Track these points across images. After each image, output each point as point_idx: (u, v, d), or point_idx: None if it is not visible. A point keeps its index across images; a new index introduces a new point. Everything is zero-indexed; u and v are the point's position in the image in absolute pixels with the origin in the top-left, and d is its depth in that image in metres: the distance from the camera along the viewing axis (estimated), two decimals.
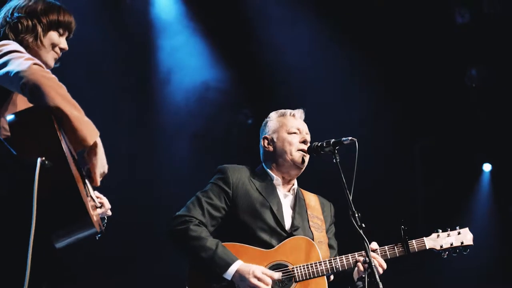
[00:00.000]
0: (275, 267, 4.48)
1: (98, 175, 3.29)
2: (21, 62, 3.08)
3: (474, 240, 4.68)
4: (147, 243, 7.74)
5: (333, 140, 4.49)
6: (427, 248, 4.55)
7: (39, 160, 2.82)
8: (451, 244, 4.59)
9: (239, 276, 4.33)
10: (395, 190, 8.76)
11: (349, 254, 4.49)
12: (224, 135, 8.69)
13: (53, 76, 3.12)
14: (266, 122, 4.92)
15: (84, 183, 3.22)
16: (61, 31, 3.61)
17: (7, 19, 3.51)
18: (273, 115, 4.91)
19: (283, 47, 8.30)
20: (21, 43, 3.43)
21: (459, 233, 4.62)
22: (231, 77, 8.47)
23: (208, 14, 8.27)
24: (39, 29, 3.51)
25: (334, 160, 4.44)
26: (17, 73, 3.03)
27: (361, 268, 4.40)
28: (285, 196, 4.76)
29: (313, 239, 4.61)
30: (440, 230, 4.62)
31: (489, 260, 8.80)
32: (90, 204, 3.22)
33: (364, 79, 8.37)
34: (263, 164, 4.85)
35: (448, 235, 4.61)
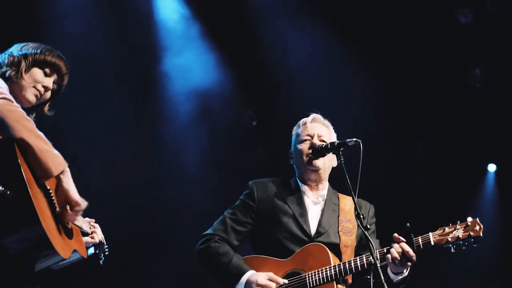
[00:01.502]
0: (290, 276, 4.57)
1: (77, 197, 3.41)
2: None
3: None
4: (147, 245, 7.77)
5: (337, 141, 4.54)
6: (432, 243, 4.42)
7: None
8: (458, 238, 4.40)
9: (248, 286, 4.49)
10: (397, 190, 8.76)
11: (358, 257, 4.49)
12: (229, 137, 8.70)
13: (20, 109, 3.27)
14: (291, 138, 5.02)
15: (57, 215, 3.36)
16: (47, 71, 3.76)
17: (3, 54, 3.74)
18: (293, 129, 5.00)
19: (286, 48, 8.31)
20: (3, 75, 3.62)
21: (467, 225, 4.44)
22: (234, 79, 8.48)
23: (210, 15, 8.28)
24: (23, 64, 3.68)
25: (339, 161, 4.49)
26: None
27: (390, 259, 4.37)
28: (315, 203, 4.83)
29: (339, 244, 4.67)
30: (450, 224, 4.47)
31: (493, 260, 8.79)
32: (70, 234, 3.46)
33: (367, 78, 8.36)
34: (296, 174, 4.94)
35: (455, 228, 4.44)
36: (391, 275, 4.51)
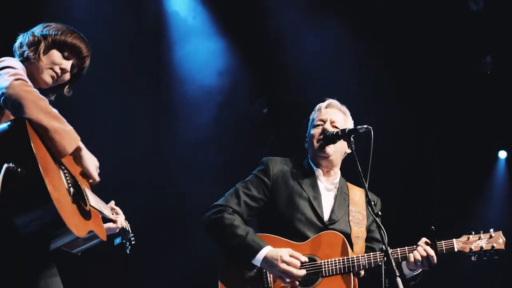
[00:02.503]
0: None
1: (93, 172, 3.51)
2: (5, 78, 3.26)
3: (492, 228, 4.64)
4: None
5: (348, 128, 4.55)
6: (456, 250, 4.51)
7: (5, 165, 2.99)
8: (481, 248, 4.51)
9: (268, 262, 4.40)
10: (408, 179, 8.76)
11: (377, 252, 4.50)
12: (239, 124, 8.72)
13: (34, 89, 3.28)
14: None
15: (76, 193, 3.39)
16: (66, 53, 3.75)
17: (22, 36, 3.74)
18: (311, 115, 4.98)
19: (297, 35, 8.30)
20: (22, 55, 3.64)
21: (490, 237, 4.54)
22: (246, 67, 8.48)
23: (222, 2, 8.29)
24: (42, 45, 3.67)
25: (350, 149, 4.51)
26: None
27: (412, 259, 4.44)
28: (328, 190, 4.82)
29: (350, 234, 4.66)
30: (473, 233, 4.56)
31: (506, 249, 8.76)
32: (90, 211, 3.47)
33: (379, 66, 8.35)
34: (308, 157, 4.91)
35: (479, 238, 4.54)
36: (405, 270, 4.58)
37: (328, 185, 4.83)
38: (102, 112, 7.49)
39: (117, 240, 4.21)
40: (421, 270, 4.59)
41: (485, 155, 9.27)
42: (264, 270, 4.48)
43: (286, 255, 4.39)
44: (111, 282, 7.58)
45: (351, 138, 4.49)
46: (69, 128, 3.33)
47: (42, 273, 3.44)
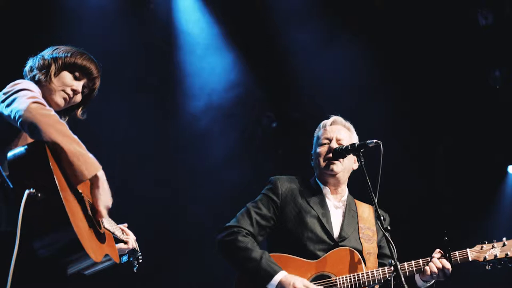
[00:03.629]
0: (318, 278, 4.53)
1: (102, 208, 3.38)
2: (22, 101, 3.25)
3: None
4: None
5: (358, 143, 4.54)
6: (470, 259, 4.53)
7: (26, 191, 2.99)
8: (495, 256, 4.53)
9: (281, 287, 4.39)
10: (417, 192, 8.74)
11: (387, 267, 4.49)
12: (249, 137, 8.72)
13: (53, 113, 3.26)
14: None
15: (93, 216, 3.37)
16: (77, 74, 3.75)
17: (33, 59, 3.75)
18: (316, 132, 4.98)
19: (306, 52, 8.32)
20: (33, 78, 3.64)
21: (504, 245, 4.56)
22: (254, 80, 8.50)
23: (231, 16, 8.31)
24: (52, 68, 3.68)
25: (359, 163, 4.50)
26: (17, 112, 3.22)
27: (428, 272, 4.45)
28: (336, 207, 4.82)
29: (362, 251, 4.66)
30: (486, 242, 4.58)
31: None
32: (104, 234, 3.45)
33: (386, 79, 8.35)
34: (315, 175, 4.92)
35: (493, 246, 4.57)
36: (419, 282, 4.59)
37: (336, 202, 4.83)
38: (109, 125, 7.49)
39: (124, 258, 4.23)
40: (434, 281, 4.58)
41: (494, 169, 9.24)
42: None
43: (299, 284, 4.39)
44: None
45: (360, 152, 4.49)
46: (90, 155, 3.28)
47: None
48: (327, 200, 4.79)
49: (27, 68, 3.76)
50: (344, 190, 4.89)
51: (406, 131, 8.48)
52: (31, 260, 3.06)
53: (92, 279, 3.50)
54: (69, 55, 3.73)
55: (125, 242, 4.09)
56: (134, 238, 4.22)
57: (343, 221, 4.76)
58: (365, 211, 4.89)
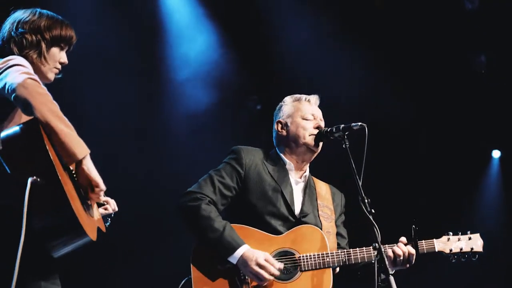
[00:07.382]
0: (281, 254, 4.48)
1: (100, 180, 3.40)
2: (17, 75, 3.24)
3: (482, 229, 4.71)
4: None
5: (343, 125, 4.51)
6: (436, 250, 4.55)
7: (30, 180, 3.00)
8: (461, 249, 4.58)
9: (243, 262, 4.34)
10: (399, 177, 8.73)
11: (357, 249, 4.49)
12: (233, 120, 8.68)
13: (47, 92, 3.27)
14: (281, 106, 4.91)
15: (81, 194, 3.37)
16: (62, 45, 3.74)
17: (12, 33, 3.65)
18: (288, 100, 4.90)
19: (292, 34, 8.28)
20: (26, 58, 3.57)
21: (469, 238, 4.60)
22: (239, 63, 8.44)
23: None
24: (43, 46, 3.66)
25: (344, 146, 4.46)
26: (11, 85, 3.20)
27: (390, 254, 4.43)
28: (297, 183, 4.76)
29: (321, 229, 4.61)
30: (451, 233, 4.60)
31: (497, 249, 8.75)
32: (92, 212, 3.46)
33: (369, 63, 8.33)
34: (276, 148, 4.85)
35: (459, 239, 4.60)
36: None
37: (297, 178, 4.78)
38: (95, 106, 7.43)
39: (107, 224, 4.18)
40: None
41: (478, 154, 9.26)
42: (240, 269, 4.39)
43: (262, 259, 4.34)
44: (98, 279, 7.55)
45: (345, 135, 4.46)
46: (78, 137, 3.30)
47: (46, 278, 3.40)
48: (289, 175, 4.73)
49: (6, 35, 3.64)
50: (307, 167, 4.84)
51: (390, 115, 8.44)
52: (31, 246, 3.05)
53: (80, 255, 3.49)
54: (53, 27, 3.69)
55: (105, 208, 4.08)
56: (114, 202, 4.18)
57: (304, 197, 4.71)
58: (323, 188, 4.86)
